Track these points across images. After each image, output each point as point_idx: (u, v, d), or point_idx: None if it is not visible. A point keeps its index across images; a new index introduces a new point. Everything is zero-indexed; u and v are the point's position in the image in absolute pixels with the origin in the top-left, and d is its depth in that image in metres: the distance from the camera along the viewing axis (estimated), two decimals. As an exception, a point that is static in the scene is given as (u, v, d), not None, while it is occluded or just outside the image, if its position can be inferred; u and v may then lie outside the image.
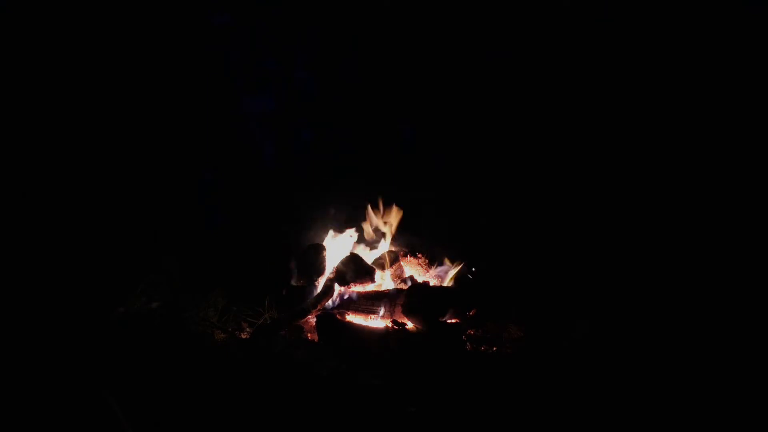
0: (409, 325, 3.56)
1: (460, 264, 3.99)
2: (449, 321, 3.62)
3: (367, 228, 4.26)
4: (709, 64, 4.67)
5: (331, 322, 3.59)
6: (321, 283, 4.02)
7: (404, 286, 3.85)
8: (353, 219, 4.33)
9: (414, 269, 4.15)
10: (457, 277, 3.99)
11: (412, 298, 3.65)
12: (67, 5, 4.67)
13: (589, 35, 4.91)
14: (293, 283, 3.98)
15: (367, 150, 5.19)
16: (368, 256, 4.11)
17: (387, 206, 4.21)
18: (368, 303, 3.79)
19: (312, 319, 3.76)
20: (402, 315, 3.65)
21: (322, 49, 5.25)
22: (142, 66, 4.89)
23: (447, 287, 3.92)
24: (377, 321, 3.72)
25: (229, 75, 5.20)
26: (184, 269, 3.53)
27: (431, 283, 3.86)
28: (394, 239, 4.24)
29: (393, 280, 3.99)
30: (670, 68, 4.75)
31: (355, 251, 4.11)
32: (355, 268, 3.92)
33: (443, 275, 4.04)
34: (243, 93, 5.22)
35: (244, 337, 3.41)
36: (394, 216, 4.21)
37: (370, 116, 5.25)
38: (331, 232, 4.17)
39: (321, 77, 5.29)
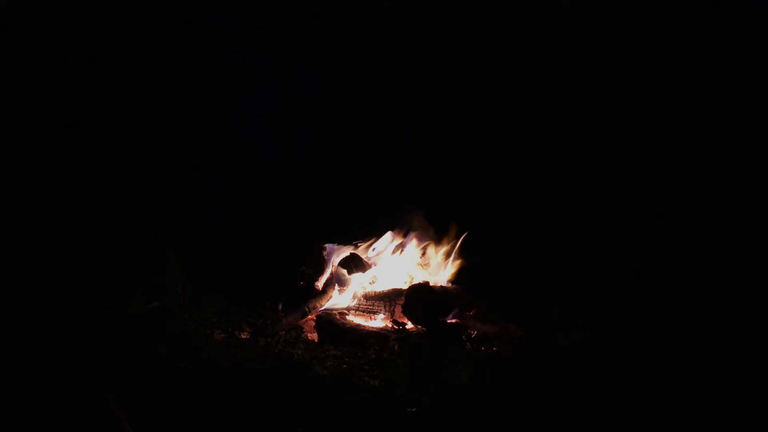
0: (409, 325, 3.56)
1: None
2: (449, 321, 3.61)
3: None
4: (709, 63, 4.67)
5: (331, 322, 3.59)
6: (321, 283, 4.03)
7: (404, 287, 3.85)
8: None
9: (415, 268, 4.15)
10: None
11: (412, 298, 3.65)
12: (67, 5, 4.67)
13: (589, 35, 4.90)
14: (293, 282, 3.98)
15: (366, 150, 5.19)
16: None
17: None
18: (368, 303, 3.80)
19: (312, 319, 3.76)
20: (402, 315, 3.65)
21: (322, 49, 5.25)
22: (143, 66, 4.89)
23: (447, 287, 3.92)
24: (377, 321, 3.73)
25: (229, 75, 5.20)
26: (184, 269, 3.53)
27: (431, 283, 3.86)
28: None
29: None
30: (671, 67, 4.75)
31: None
32: (355, 268, 3.92)
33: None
34: (243, 93, 5.22)
35: (244, 337, 3.41)
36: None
37: (369, 117, 5.25)
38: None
39: (321, 78, 5.29)
